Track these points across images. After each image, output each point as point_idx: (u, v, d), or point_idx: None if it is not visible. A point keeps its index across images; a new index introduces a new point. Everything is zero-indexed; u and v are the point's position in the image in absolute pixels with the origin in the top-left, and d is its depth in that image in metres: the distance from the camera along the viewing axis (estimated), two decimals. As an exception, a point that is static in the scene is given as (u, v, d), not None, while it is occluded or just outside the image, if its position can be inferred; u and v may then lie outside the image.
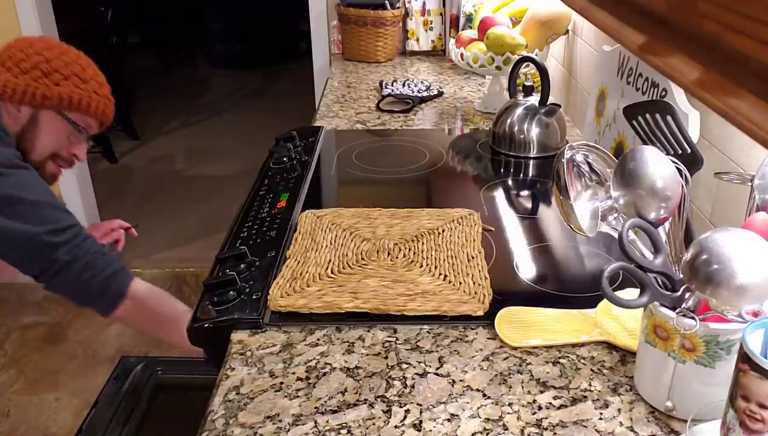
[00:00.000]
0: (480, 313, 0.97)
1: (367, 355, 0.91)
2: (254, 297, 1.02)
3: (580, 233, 0.93)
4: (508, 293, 1.03)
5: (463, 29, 2.28)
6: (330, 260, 1.10)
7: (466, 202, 1.32)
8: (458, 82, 2.19)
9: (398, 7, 2.43)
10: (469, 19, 2.27)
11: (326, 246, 1.14)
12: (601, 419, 0.79)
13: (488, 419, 0.80)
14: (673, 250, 0.81)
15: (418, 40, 2.55)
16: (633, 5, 0.70)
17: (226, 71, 5.70)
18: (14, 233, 1.07)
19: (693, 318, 0.71)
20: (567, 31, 1.87)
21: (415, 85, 2.08)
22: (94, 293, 1.15)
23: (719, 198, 1.05)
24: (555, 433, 0.77)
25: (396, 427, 0.79)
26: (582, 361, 0.89)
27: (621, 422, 0.79)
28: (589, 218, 0.92)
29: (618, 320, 0.94)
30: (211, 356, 1.04)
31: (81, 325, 2.65)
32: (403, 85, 2.10)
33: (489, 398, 0.83)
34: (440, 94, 2.05)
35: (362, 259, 1.10)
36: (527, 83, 1.59)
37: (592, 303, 0.98)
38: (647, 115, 0.95)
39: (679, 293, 0.75)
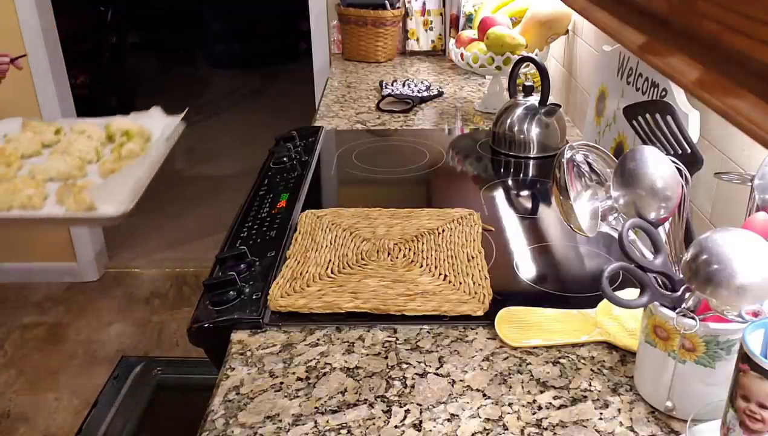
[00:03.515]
0: (480, 313, 0.97)
1: (367, 355, 0.91)
2: (254, 297, 1.02)
3: (580, 233, 0.93)
4: (508, 293, 1.03)
5: (463, 29, 2.28)
6: (330, 260, 1.10)
7: (466, 202, 1.32)
8: (458, 82, 2.19)
9: (398, 7, 2.43)
10: (469, 19, 2.27)
11: (326, 246, 1.14)
12: (601, 419, 0.79)
13: (488, 419, 0.80)
14: (673, 250, 0.81)
15: (418, 40, 2.55)
16: (633, 5, 0.70)
17: (225, 71, 5.70)
18: None
19: (693, 318, 0.71)
20: (567, 31, 1.87)
21: (415, 85, 2.08)
22: None
23: (719, 198, 1.05)
24: (555, 433, 0.77)
25: (396, 427, 0.79)
26: (582, 361, 0.89)
27: (621, 422, 0.79)
28: (589, 217, 0.92)
29: (618, 320, 0.94)
30: (211, 356, 1.04)
31: (81, 325, 2.65)
32: (403, 85, 2.10)
33: (489, 398, 0.83)
34: (440, 94, 2.05)
35: (362, 259, 1.10)
36: (527, 83, 1.59)
37: (592, 303, 0.98)
38: (647, 115, 0.95)
39: (679, 293, 0.75)
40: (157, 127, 1.34)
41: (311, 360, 0.90)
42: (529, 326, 0.95)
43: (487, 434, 0.78)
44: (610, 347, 0.92)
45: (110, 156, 1.29)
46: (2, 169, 1.19)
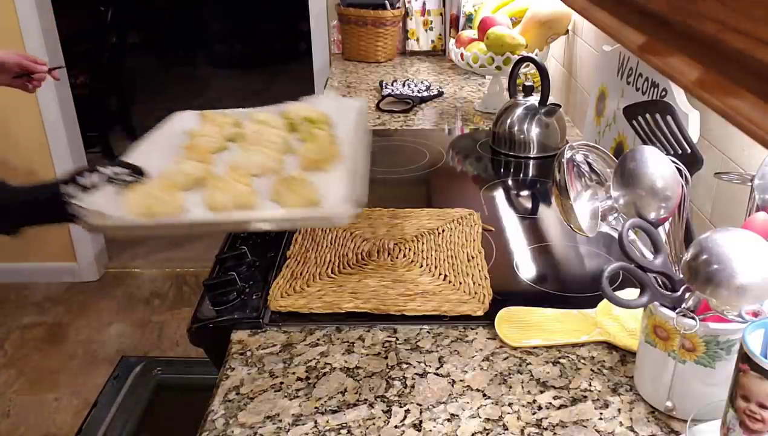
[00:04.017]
0: (480, 313, 0.97)
1: (367, 355, 0.91)
2: (254, 297, 1.02)
3: (580, 233, 0.93)
4: (508, 293, 1.03)
5: (463, 29, 2.28)
6: (330, 260, 1.10)
7: (466, 202, 1.32)
8: (458, 82, 2.19)
9: (398, 7, 2.43)
10: (469, 19, 2.27)
11: (326, 246, 1.14)
12: (601, 419, 0.79)
13: (488, 419, 0.80)
14: (673, 250, 0.81)
15: (418, 40, 2.55)
16: (633, 5, 0.70)
17: (225, 71, 5.69)
18: None
19: (693, 318, 0.71)
20: (567, 31, 1.87)
21: (415, 85, 2.08)
22: None
23: (719, 198, 1.05)
24: (555, 433, 0.77)
25: (396, 427, 0.79)
26: (582, 361, 0.89)
27: (621, 422, 0.79)
28: (589, 217, 0.92)
29: (618, 320, 0.94)
30: (211, 356, 1.04)
31: (81, 325, 2.65)
32: (403, 85, 2.10)
33: (489, 398, 0.83)
34: (440, 94, 2.05)
35: (362, 259, 1.10)
36: (527, 83, 1.59)
37: (592, 303, 0.98)
38: (647, 115, 0.95)
39: (679, 293, 0.75)
40: (332, 111, 1.20)
41: (311, 360, 0.90)
42: (529, 326, 0.95)
43: (487, 434, 0.78)
44: (610, 347, 0.92)
45: (306, 146, 1.09)
46: (197, 166, 1.00)
